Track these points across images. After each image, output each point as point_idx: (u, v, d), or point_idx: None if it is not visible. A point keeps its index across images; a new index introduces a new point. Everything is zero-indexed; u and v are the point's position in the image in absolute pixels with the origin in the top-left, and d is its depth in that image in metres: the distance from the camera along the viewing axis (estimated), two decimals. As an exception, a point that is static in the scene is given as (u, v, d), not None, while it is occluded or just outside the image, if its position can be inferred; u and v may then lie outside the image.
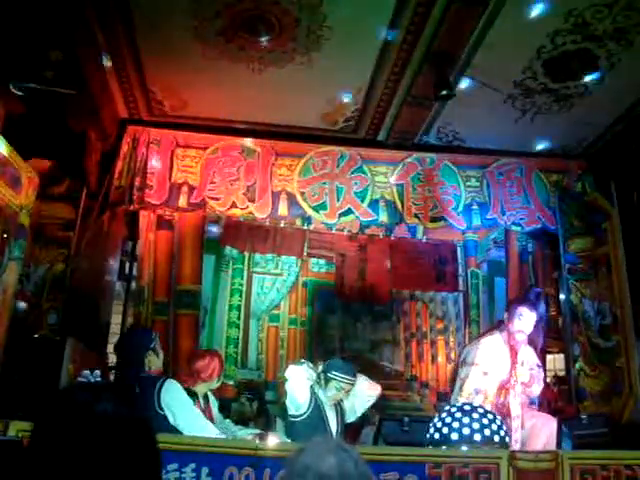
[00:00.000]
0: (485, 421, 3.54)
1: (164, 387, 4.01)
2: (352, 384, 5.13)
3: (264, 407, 7.52)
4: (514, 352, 5.37)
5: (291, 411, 5.02)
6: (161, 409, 3.93)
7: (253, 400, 7.49)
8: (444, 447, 3.55)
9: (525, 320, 5.44)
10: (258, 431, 4.88)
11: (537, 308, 5.67)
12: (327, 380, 5.11)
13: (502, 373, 5.35)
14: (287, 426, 5.02)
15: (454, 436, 3.51)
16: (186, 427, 3.95)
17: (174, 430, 3.89)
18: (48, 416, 1.33)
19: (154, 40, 5.45)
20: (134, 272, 7.42)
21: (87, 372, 4.95)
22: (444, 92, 5.46)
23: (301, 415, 4.96)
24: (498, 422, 3.63)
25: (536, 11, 4.86)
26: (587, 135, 6.80)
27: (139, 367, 4.17)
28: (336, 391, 5.08)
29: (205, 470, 3.36)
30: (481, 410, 3.62)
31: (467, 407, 3.65)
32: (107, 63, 5.67)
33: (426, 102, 6.11)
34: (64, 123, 5.62)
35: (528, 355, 5.51)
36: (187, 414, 4.03)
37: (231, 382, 7.61)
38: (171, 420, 3.93)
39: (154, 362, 4.29)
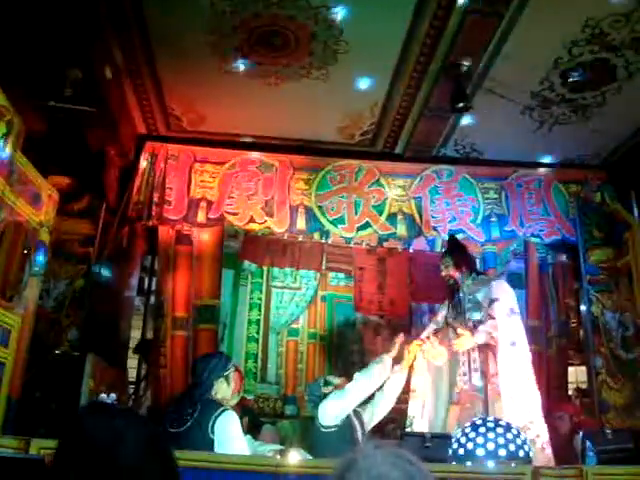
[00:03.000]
0: (509, 436, 3.48)
1: (222, 415, 4.04)
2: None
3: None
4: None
5: (324, 422, 5.01)
6: (213, 433, 3.97)
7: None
8: (468, 463, 3.50)
9: (442, 267, 5.47)
10: (279, 447, 4.85)
11: (449, 252, 5.61)
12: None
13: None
14: (316, 434, 5.02)
15: (479, 452, 3.45)
16: None
17: None
18: (67, 460, 1.30)
19: (172, 56, 5.50)
20: (153, 287, 7.45)
21: (104, 395, 4.98)
22: (461, 104, 5.45)
23: (333, 426, 4.98)
24: (522, 437, 3.57)
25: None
26: (606, 145, 6.76)
27: (207, 389, 4.22)
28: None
29: (226, 487, 3.34)
30: (504, 424, 3.57)
31: (490, 422, 3.60)
32: (125, 79, 5.73)
33: (443, 114, 6.10)
34: (83, 140, 5.68)
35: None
36: (230, 446, 4.04)
37: (250, 397, 7.59)
38: (215, 446, 3.94)
39: (223, 390, 4.32)
